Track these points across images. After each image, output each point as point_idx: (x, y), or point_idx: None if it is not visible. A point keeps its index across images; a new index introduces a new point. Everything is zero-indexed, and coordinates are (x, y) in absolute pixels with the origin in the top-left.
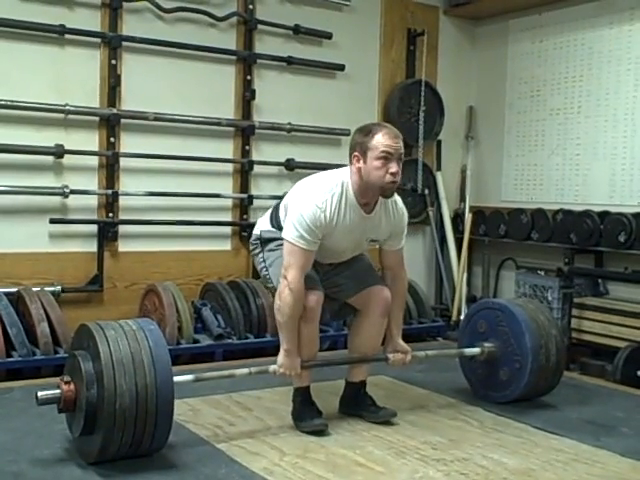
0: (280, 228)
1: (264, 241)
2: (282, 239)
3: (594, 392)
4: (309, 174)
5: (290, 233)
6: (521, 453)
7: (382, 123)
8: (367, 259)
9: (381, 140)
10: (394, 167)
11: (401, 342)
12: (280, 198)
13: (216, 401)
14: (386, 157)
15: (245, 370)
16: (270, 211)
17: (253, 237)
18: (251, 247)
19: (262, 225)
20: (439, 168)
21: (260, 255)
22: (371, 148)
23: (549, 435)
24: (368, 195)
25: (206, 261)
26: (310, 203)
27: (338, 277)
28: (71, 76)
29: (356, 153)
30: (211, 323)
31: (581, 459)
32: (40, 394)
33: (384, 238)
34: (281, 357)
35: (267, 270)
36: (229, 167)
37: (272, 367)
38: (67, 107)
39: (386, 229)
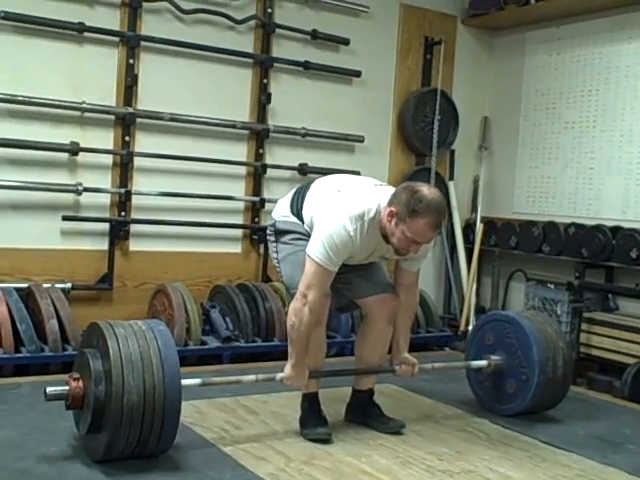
0: (299, 216)
1: (279, 232)
2: (297, 232)
3: (601, 408)
4: None
5: (318, 253)
6: (527, 467)
7: (433, 202)
8: (381, 264)
9: (420, 229)
10: (416, 249)
11: (408, 356)
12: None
13: (223, 404)
14: (415, 242)
15: (252, 377)
16: (292, 195)
17: (270, 222)
18: (267, 232)
19: (281, 210)
20: (452, 178)
21: (274, 245)
22: (408, 225)
23: (556, 450)
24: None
25: (216, 263)
26: (342, 228)
27: (350, 275)
28: (88, 74)
29: (394, 210)
30: (219, 325)
31: (588, 475)
32: (49, 390)
33: (398, 258)
34: (288, 369)
35: (279, 263)
36: (242, 170)
37: (279, 375)
38: (83, 105)
39: None
